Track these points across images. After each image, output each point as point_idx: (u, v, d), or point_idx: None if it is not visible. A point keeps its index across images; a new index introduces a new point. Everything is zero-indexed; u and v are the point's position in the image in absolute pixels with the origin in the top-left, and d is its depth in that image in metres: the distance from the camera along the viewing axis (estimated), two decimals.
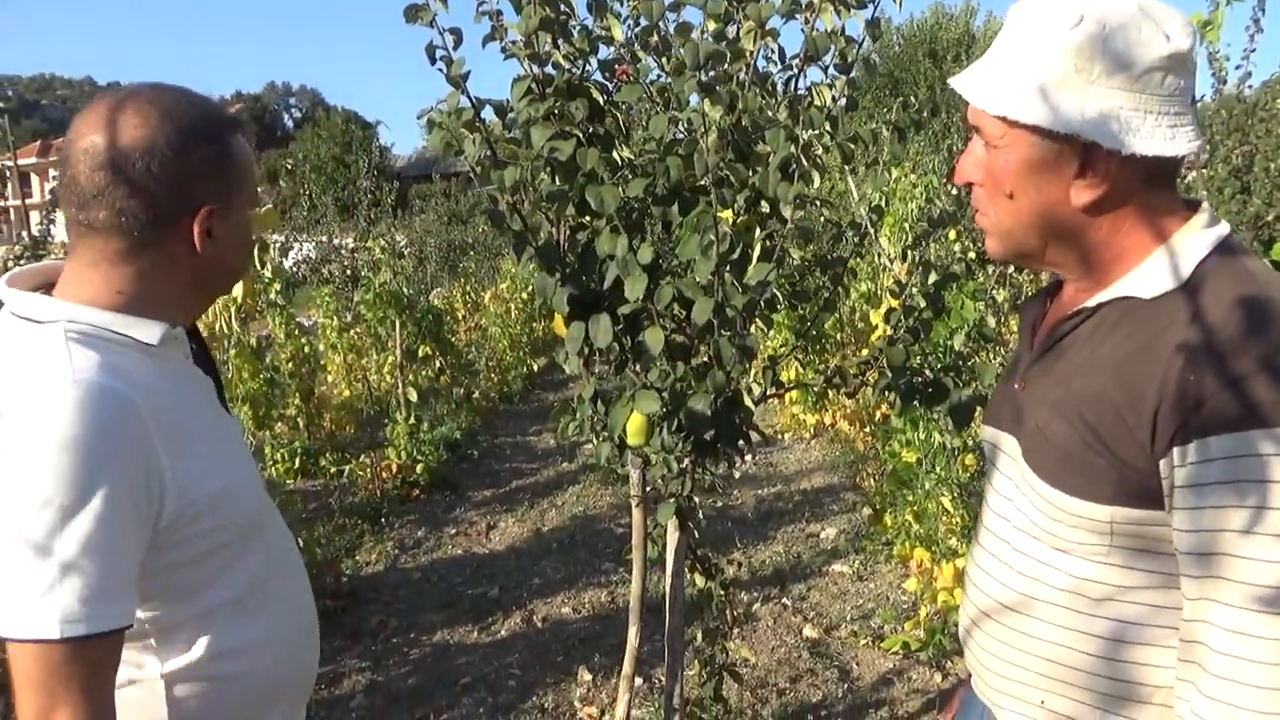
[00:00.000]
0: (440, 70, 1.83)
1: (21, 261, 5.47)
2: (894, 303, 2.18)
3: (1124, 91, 0.96)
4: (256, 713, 1.21)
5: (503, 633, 3.93)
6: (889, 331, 2.17)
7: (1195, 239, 1.01)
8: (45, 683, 0.96)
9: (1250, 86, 5.14)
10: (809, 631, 3.79)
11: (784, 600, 4.13)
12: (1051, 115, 0.97)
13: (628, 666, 2.30)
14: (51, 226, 5.62)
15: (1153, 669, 1.00)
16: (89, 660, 0.98)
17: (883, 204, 5.53)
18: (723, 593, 2.63)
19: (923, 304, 2.16)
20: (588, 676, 3.48)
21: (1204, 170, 5.41)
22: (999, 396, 1.21)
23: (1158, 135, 0.96)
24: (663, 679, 2.66)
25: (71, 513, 0.95)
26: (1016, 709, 1.11)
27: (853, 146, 1.85)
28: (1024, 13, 1.02)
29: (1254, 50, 4.89)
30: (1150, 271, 1.00)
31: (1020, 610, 1.08)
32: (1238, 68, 4.79)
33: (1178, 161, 1.00)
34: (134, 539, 1.01)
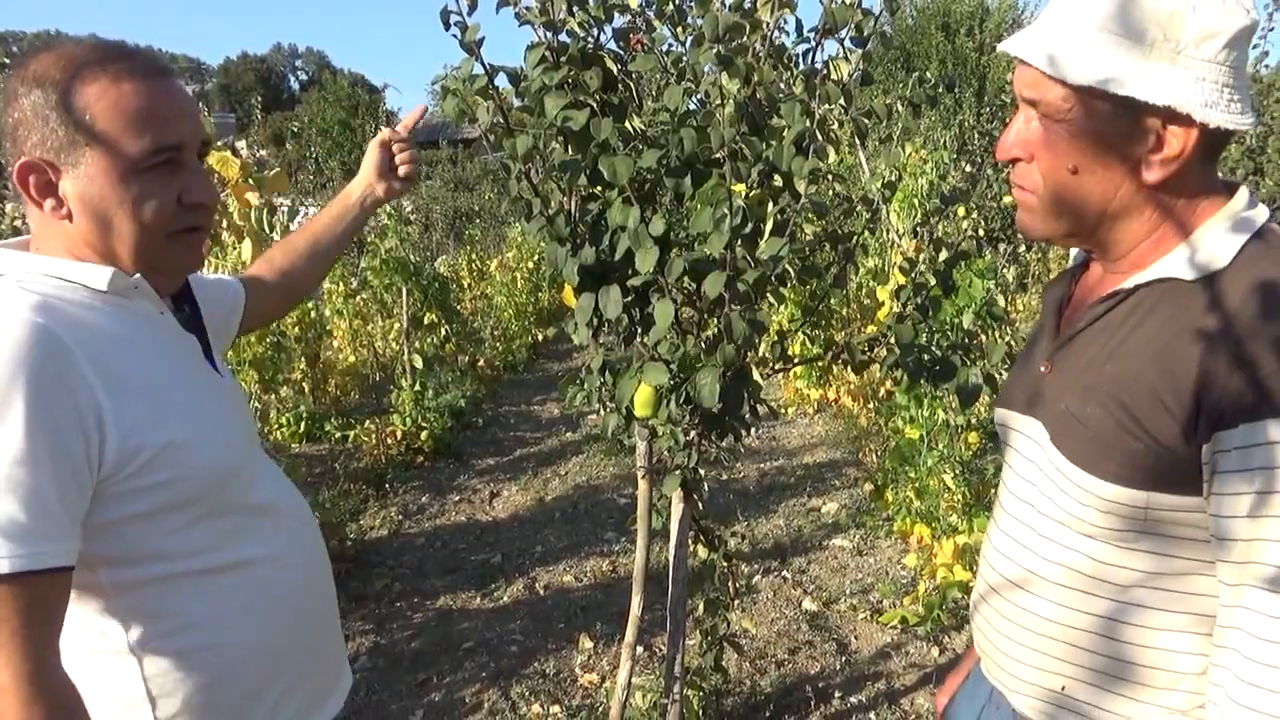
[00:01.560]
0: (454, 35, 1.82)
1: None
2: (903, 280, 2.18)
3: (1208, 63, 0.93)
4: (248, 691, 1.15)
5: (505, 599, 3.96)
6: (898, 308, 2.17)
7: (1238, 221, 0.99)
8: None
9: (1266, 66, 5.08)
10: (808, 604, 3.82)
11: (784, 573, 4.16)
12: (1145, 86, 0.93)
13: (630, 634, 2.32)
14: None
15: (1175, 654, 1.00)
16: (14, 604, 0.93)
17: (895, 180, 5.50)
18: (725, 564, 2.65)
19: (932, 281, 2.16)
20: (589, 644, 3.52)
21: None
22: (1015, 378, 1.19)
23: (1233, 109, 0.94)
24: (663, 648, 2.69)
25: None
26: (1033, 694, 1.10)
27: (866, 121, 1.83)
28: None
29: (1271, 29, 4.82)
30: (1192, 253, 0.98)
31: (1043, 595, 1.06)
32: (1254, 46, 4.74)
33: (1229, 137, 0.99)
34: (64, 475, 0.96)
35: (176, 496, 1.07)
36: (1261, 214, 1.00)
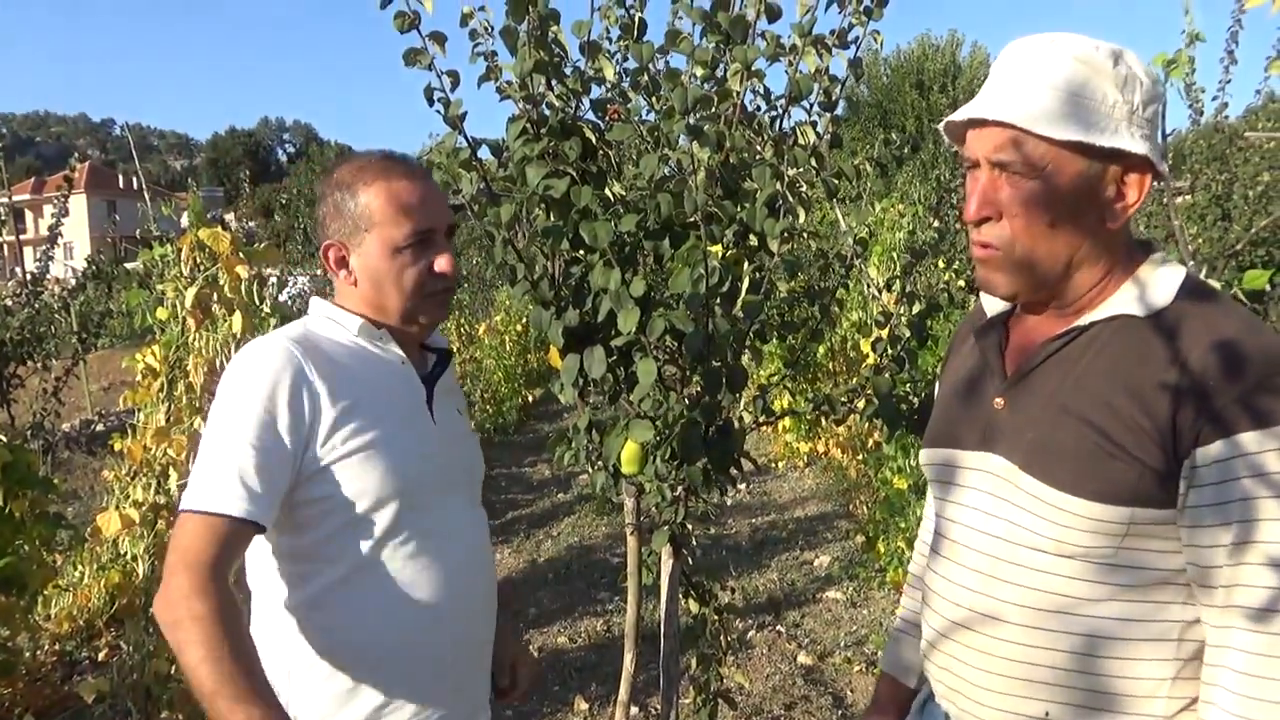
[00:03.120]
0: (438, 111, 1.90)
1: (17, 299, 5.51)
2: (881, 332, 2.24)
3: (1149, 122, 1.07)
4: (365, 692, 1.32)
5: None
6: (876, 360, 2.23)
7: (1166, 266, 1.10)
8: (173, 542, 1.24)
9: (1227, 117, 5.24)
10: (803, 658, 3.81)
11: (778, 627, 4.15)
12: (1119, 138, 1.04)
13: (623, 693, 2.33)
14: (50, 263, 5.67)
15: (1147, 680, 1.05)
16: (200, 536, 1.21)
17: (868, 235, 5.62)
18: (717, 618, 2.66)
19: (908, 333, 2.22)
20: (584, 705, 3.49)
21: (1186, 198, 5.51)
22: (957, 418, 1.23)
23: (1163, 162, 1.07)
24: (658, 706, 2.68)
25: (217, 418, 1.28)
26: None
27: (837, 182, 1.91)
28: (1055, 48, 1.07)
29: (1229, 81, 5.00)
30: (1140, 292, 1.07)
31: (1018, 623, 1.09)
32: (1214, 99, 4.90)
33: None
34: (276, 452, 1.25)
35: (353, 499, 1.30)
36: (1177, 264, 1.11)
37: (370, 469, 1.31)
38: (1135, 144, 1.05)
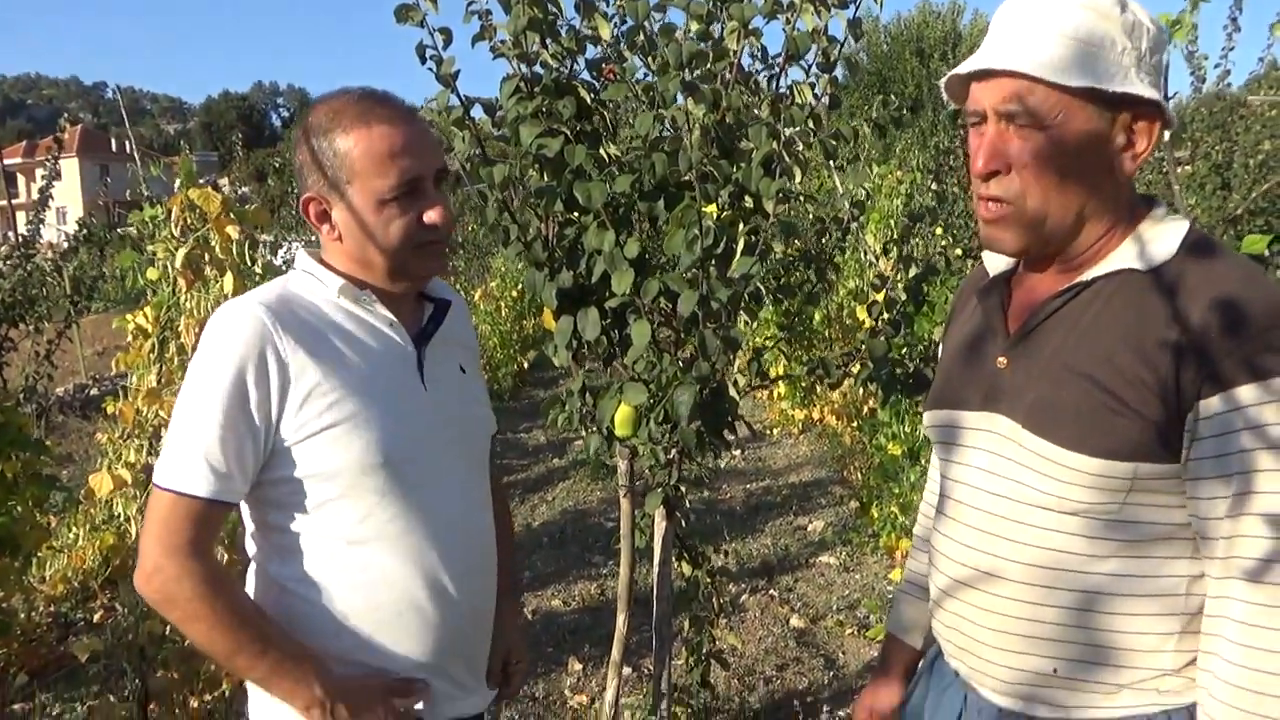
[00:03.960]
0: (430, 69, 1.88)
1: (8, 263, 5.47)
2: (877, 296, 2.23)
3: (1155, 69, 1.06)
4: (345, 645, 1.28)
5: None
6: (871, 324, 2.22)
7: (1169, 220, 1.09)
8: (148, 513, 1.23)
9: (1229, 84, 5.20)
10: (795, 621, 3.84)
11: (771, 591, 4.18)
12: (1130, 84, 1.03)
13: (616, 653, 2.34)
14: (41, 226, 5.62)
15: (1145, 634, 1.06)
16: (174, 515, 1.19)
17: (865, 199, 5.59)
18: (710, 581, 2.68)
19: (904, 297, 2.21)
20: (578, 666, 3.52)
21: (1187, 167, 5.48)
22: (959, 379, 1.22)
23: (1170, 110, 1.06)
24: (651, 667, 2.71)
25: (186, 391, 1.23)
26: (1021, 680, 1.11)
27: (835, 143, 1.89)
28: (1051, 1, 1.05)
29: (1232, 48, 4.95)
30: (1141, 247, 1.06)
31: (1018, 581, 1.09)
32: (1216, 66, 4.85)
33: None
34: (242, 428, 1.20)
35: (333, 468, 1.24)
36: (1181, 217, 1.10)
37: (348, 444, 1.24)
38: (1145, 89, 1.04)
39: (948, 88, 1.15)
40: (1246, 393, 0.96)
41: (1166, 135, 1.11)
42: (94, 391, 8.60)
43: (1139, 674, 1.07)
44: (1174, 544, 1.05)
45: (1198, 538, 1.03)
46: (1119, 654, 1.07)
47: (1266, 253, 2.06)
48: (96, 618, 3.73)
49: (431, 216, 1.29)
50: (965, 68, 1.09)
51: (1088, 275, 1.09)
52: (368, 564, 1.27)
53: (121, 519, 3.38)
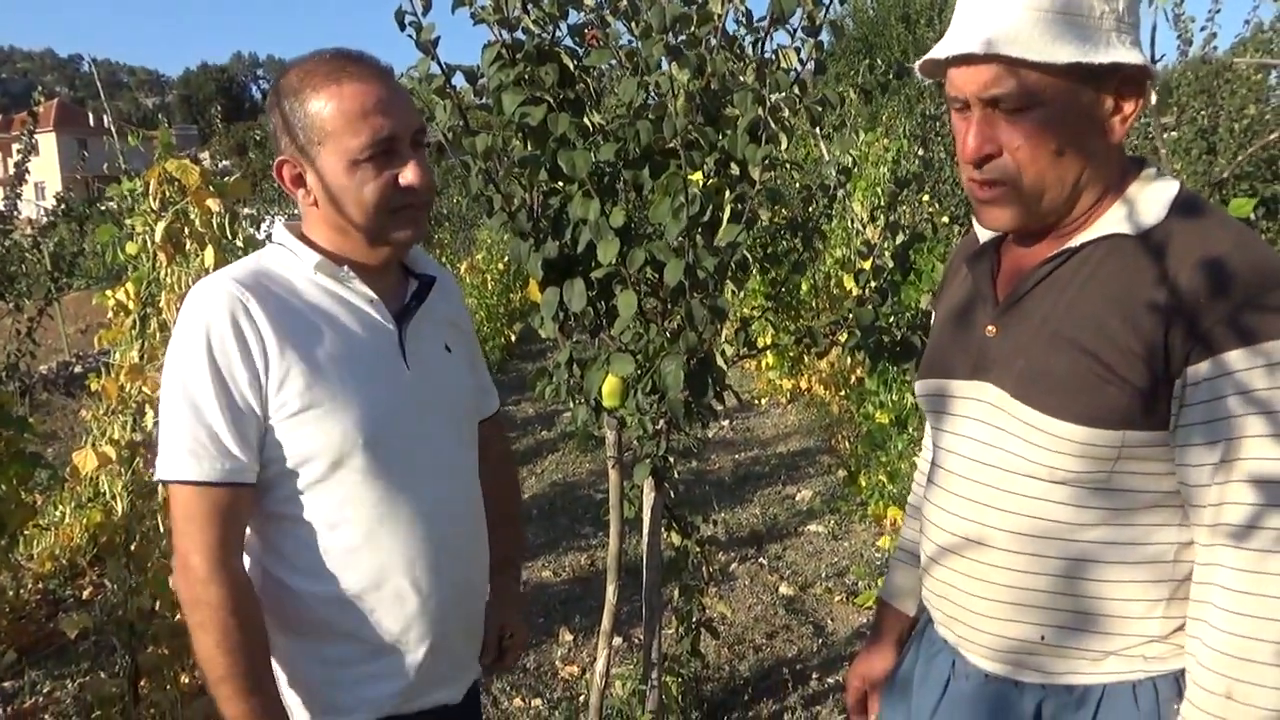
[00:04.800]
0: (410, 36, 1.84)
1: None
2: (864, 264, 2.23)
3: (1133, 27, 1.03)
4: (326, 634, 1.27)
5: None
6: (859, 292, 2.21)
7: (1158, 182, 1.08)
8: (174, 515, 1.20)
9: (1215, 48, 5.17)
10: (785, 589, 3.87)
11: (760, 560, 4.20)
12: (1115, 53, 1.00)
13: (606, 623, 2.35)
14: (19, 202, 5.54)
15: (1129, 601, 1.06)
16: (198, 507, 1.17)
17: (851, 166, 5.56)
18: (699, 550, 2.69)
19: (891, 265, 2.20)
20: (569, 637, 3.54)
21: (1173, 133, 5.46)
22: (948, 347, 1.22)
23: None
24: (641, 637, 2.73)
25: (169, 379, 1.20)
26: (1008, 647, 1.12)
27: (820, 109, 1.87)
28: None
29: (1218, 11, 4.93)
30: (1129, 211, 1.05)
31: (1003, 548, 1.10)
32: (1203, 29, 4.82)
33: None
34: (235, 406, 1.18)
35: (312, 450, 1.22)
36: (1171, 178, 1.08)
37: (327, 427, 1.21)
38: (1130, 54, 1.02)
39: (924, 70, 1.12)
40: (1235, 357, 0.96)
41: (1153, 97, 1.09)
42: (78, 369, 8.54)
43: (1126, 640, 1.07)
44: (1162, 511, 1.05)
45: (1186, 505, 1.03)
46: (1106, 620, 1.07)
47: (1252, 216, 2.06)
48: (85, 594, 3.72)
49: (408, 178, 1.24)
50: (941, 51, 1.05)
51: (1077, 241, 1.08)
52: (350, 547, 1.24)
53: (108, 495, 3.37)
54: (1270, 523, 0.95)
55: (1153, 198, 1.06)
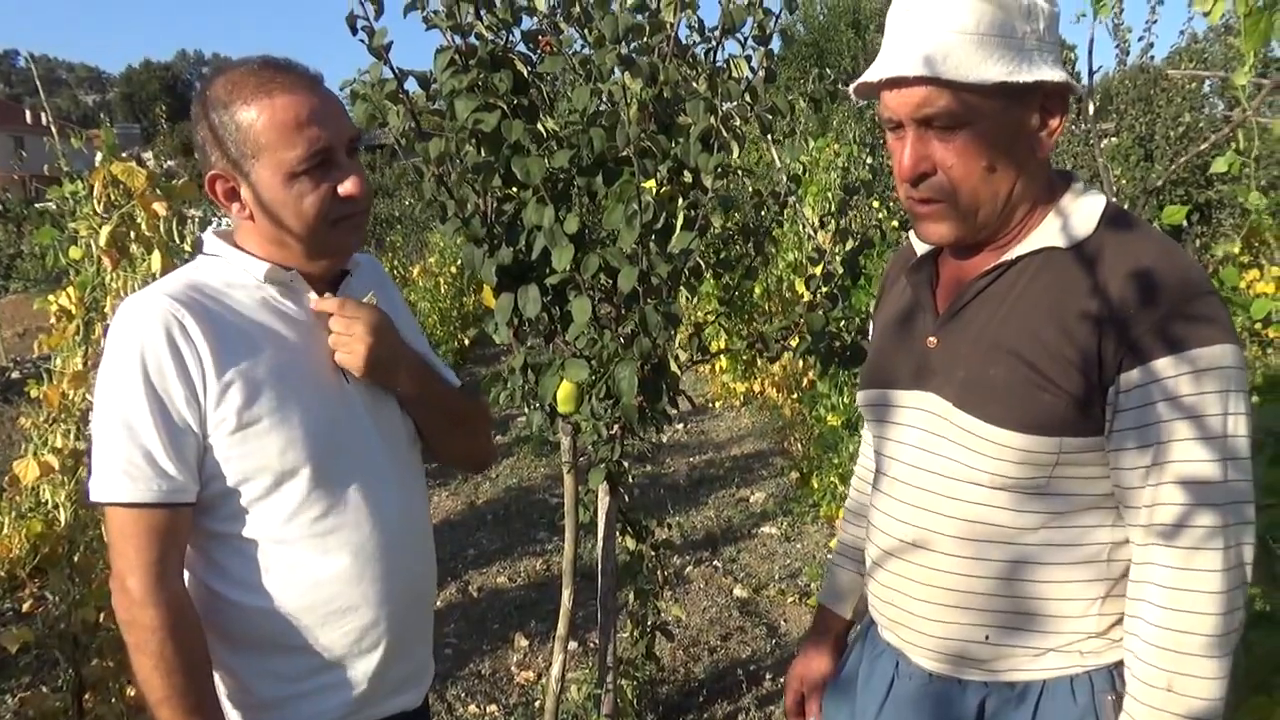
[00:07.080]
0: (362, 41, 1.83)
1: None
2: (815, 270, 2.26)
3: (1054, 45, 1.07)
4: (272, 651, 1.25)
5: (439, 604, 3.95)
6: (810, 297, 2.24)
7: (1087, 195, 1.12)
8: (111, 537, 1.18)
9: (1153, 57, 5.32)
10: (739, 591, 3.90)
11: (715, 563, 4.23)
12: (1039, 71, 1.04)
13: (561, 628, 2.36)
14: None
15: (1067, 600, 1.10)
16: (135, 528, 1.15)
17: (801, 173, 5.63)
18: (653, 554, 2.70)
19: (841, 270, 2.24)
20: (524, 642, 3.54)
21: (1113, 139, 5.62)
22: (889, 357, 1.25)
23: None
24: (597, 641, 2.73)
25: (102, 398, 1.16)
26: (952, 648, 1.15)
27: (770, 117, 1.90)
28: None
29: (1155, 21, 5.08)
30: (1062, 223, 1.10)
31: (943, 551, 1.13)
32: (1140, 39, 4.96)
33: None
34: (173, 424, 1.15)
35: (254, 467, 1.19)
36: (1098, 192, 1.13)
37: (266, 442, 1.18)
38: (1054, 71, 1.06)
39: (859, 92, 1.14)
40: (1163, 365, 1.00)
41: (1080, 109, 1.15)
42: (15, 375, 8.30)
43: (1065, 638, 1.11)
44: (1098, 512, 1.09)
45: (1120, 506, 1.08)
46: (1046, 619, 1.11)
47: (1185, 223, 2.13)
48: (25, 607, 3.61)
49: (347, 188, 1.22)
50: (874, 74, 1.08)
51: (1012, 254, 1.11)
52: (295, 563, 1.22)
53: (49, 506, 3.28)
54: (1198, 521, 1.00)
55: (1084, 211, 1.10)
